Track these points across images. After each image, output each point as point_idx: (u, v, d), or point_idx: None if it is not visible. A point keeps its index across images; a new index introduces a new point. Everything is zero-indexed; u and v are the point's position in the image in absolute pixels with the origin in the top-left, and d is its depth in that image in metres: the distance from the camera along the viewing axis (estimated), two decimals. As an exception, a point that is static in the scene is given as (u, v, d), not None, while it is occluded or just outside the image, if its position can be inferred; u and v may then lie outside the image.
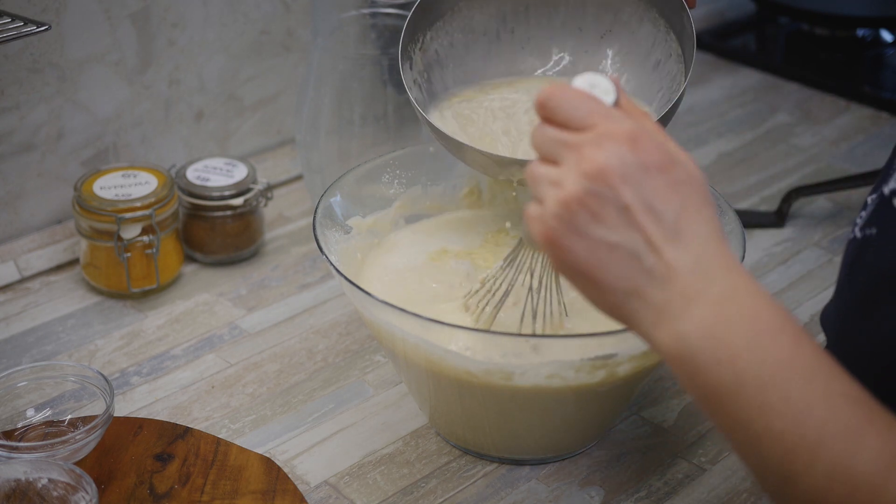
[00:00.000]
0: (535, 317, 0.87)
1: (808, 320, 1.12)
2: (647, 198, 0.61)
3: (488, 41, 1.03)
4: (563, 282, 0.86)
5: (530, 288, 0.87)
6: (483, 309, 0.89)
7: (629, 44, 1.01)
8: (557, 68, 1.04)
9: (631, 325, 0.64)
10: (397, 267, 0.99)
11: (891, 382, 0.65)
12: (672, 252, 0.61)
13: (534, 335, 0.85)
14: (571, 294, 0.90)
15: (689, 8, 0.95)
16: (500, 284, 0.88)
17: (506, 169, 0.91)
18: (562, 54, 1.04)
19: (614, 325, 0.90)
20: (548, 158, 0.65)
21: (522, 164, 0.89)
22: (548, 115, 0.65)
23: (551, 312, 0.88)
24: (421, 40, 0.99)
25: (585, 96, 0.65)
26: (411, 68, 0.98)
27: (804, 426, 0.58)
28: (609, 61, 1.03)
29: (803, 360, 0.59)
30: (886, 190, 0.71)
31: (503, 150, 0.95)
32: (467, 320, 0.89)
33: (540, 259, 0.86)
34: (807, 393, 0.58)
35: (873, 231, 0.70)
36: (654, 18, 0.99)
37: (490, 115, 0.98)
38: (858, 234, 0.73)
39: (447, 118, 0.98)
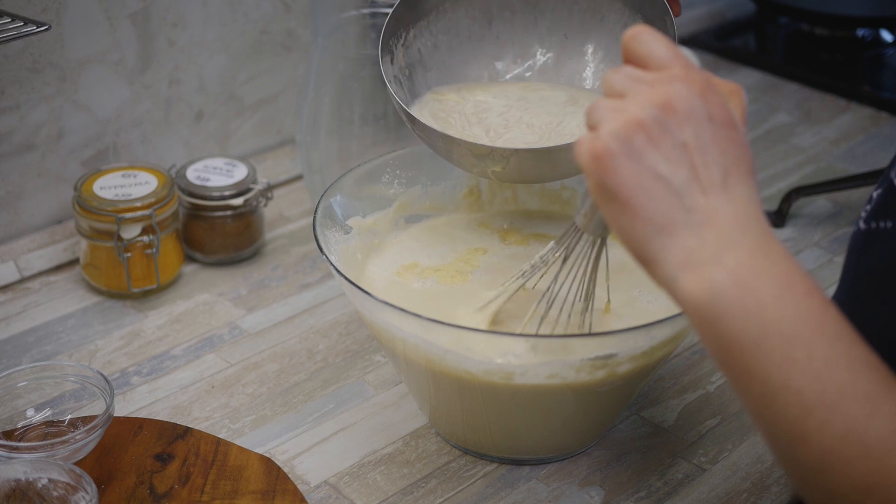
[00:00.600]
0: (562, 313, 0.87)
1: (808, 320, 1.12)
2: (705, 143, 0.61)
3: (472, 45, 1.03)
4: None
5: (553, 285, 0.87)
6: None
7: (615, 50, 1.01)
8: (536, 71, 1.04)
9: (653, 265, 0.62)
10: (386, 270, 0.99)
11: None
12: (716, 199, 0.61)
13: (534, 335, 0.85)
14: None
15: (675, 16, 0.95)
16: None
17: (485, 160, 0.91)
18: (546, 58, 1.04)
19: (614, 325, 0.90)
20: (615, 93, 0.65)
21: (503, 153, 0.89)
22: (632, 50, 0.65)
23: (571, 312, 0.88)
24: (404, 37, 0.99)
25: (671, 43, 0.65)
26: (392, 63, 0.98)
27: (824, 384, 0.57)
28: (592, 69, 1.03)
29: (830, 321, 0.59)
30: None
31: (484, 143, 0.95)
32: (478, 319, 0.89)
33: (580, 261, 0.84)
34: (830, 353, 0.58)
35: (888, 224, 0.70)
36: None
37: (465, 119, 0.98)
38: (863, 226, 0.72)
39: (425, 117, 0.98)
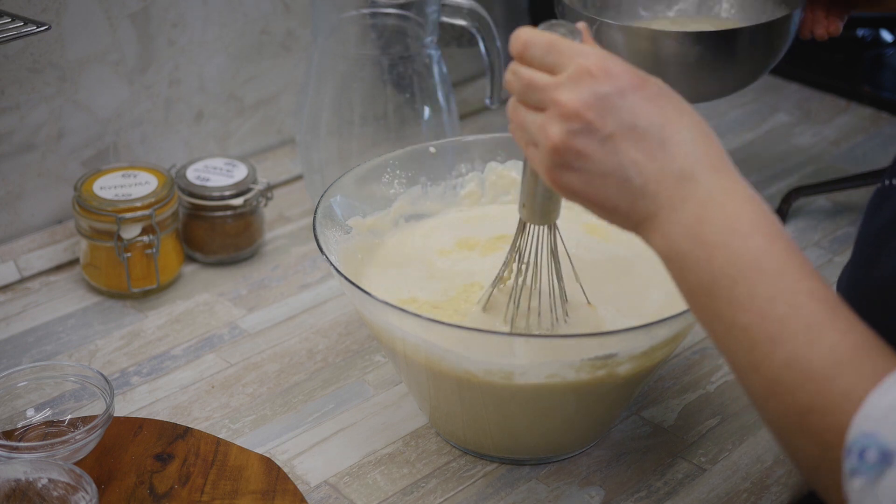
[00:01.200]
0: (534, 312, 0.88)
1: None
2: (628, 119, 0.66)
3: None
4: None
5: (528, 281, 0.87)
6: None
7: None
8: None
9: (638, 235, 0.69)
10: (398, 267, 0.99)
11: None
12: (656, 166, 0.66)
13: (534, 335, 0.85)
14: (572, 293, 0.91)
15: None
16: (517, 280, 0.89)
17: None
18: None
19: (614, 325, 0.90)
20: (528, 104, 0.70)
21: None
22: (525, 62, 0.71)
23: (548, 308, 0.89)
24: None
25: (554, 39, 0.70)
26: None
27: (766, 319, 0.62)
28: None
29: (774, 258, 0.63)
30: None
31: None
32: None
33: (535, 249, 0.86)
34: (772, 289, 0.62)
35: None
36: None
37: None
38: (886, 183, 0.75)
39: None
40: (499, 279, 0.90)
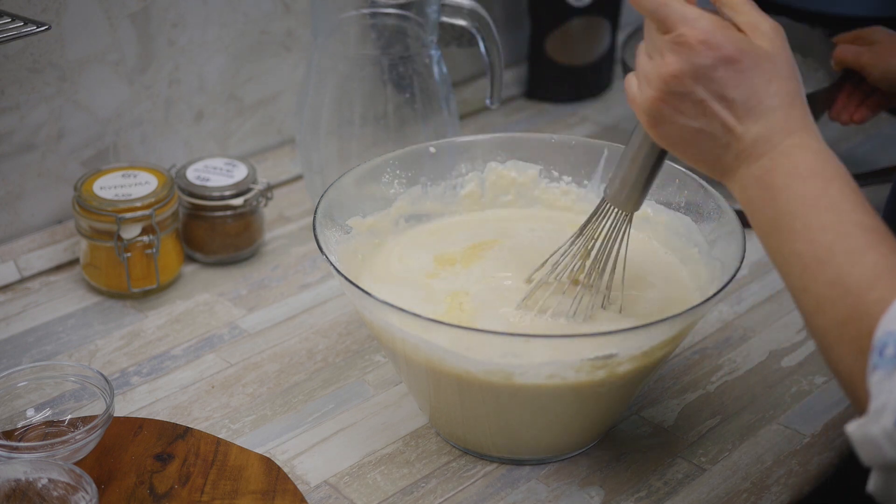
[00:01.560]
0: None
1: (808, 320, 1.12)
2: (718, 90, 0.75)
3: None
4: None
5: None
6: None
7: None
8: None
9: (722, 182, 0.79)
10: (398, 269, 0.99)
11: None
12: (741, 129, 0.76)
13: (533, 335, 0.85)
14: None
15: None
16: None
17: None
18: None
19: (614, 325, 0.90)
20: (648, 52, 0.80)
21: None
22: (650, 14, 0.78)
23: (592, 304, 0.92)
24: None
25: (662, 2, 0.77)
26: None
27: (816, 246, 0.71)
28: None
29: (829, 196, 0.72)
30: None
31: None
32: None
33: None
34: (823, 221, 0.71)
35: None
36: None
37: None
38: None
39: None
40: (566, 257, 0.93)
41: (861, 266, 0.68)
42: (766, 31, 0.77)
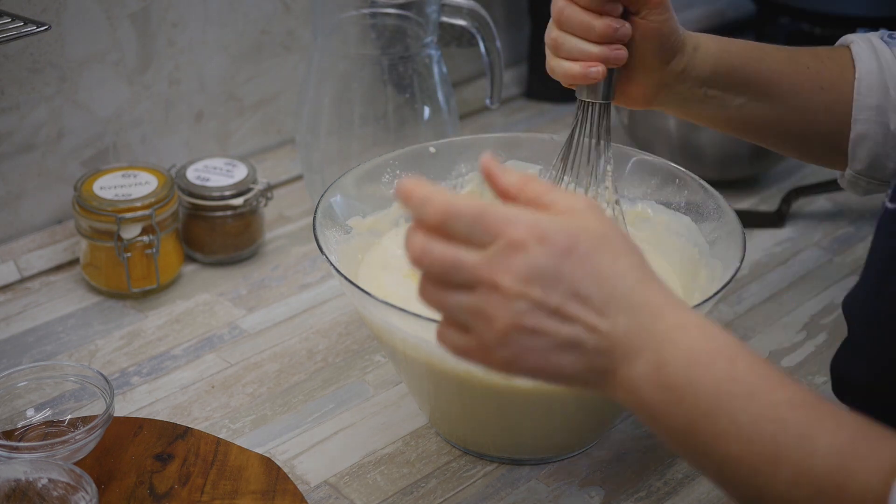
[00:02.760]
0: None
1: (808, 320, 1.12)
2: (570, 288, 0.63)
3: None
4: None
5: None
6: None
7: None
8: None
9: (602, 394, 0.66)
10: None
11: None
12: (607, 324, 0.63)
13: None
14: None
15: None
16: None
17: None
18: None
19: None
20: (450, 284, 0.64)
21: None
22: (444, 234, 0.63)
23: None
24: None
25: (482, 210, 0.63)
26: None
27: (757, 443, 0.60)
28: None
29: (741, 379, 0.62)
30: None
31: None
32: None
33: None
34: (751, 410, 0.61)
35: None
36: None
37: None
38: (891, 206, 0.74)
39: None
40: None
41: (818, 454, 0.59)
42: (582, 210, 0.64)
